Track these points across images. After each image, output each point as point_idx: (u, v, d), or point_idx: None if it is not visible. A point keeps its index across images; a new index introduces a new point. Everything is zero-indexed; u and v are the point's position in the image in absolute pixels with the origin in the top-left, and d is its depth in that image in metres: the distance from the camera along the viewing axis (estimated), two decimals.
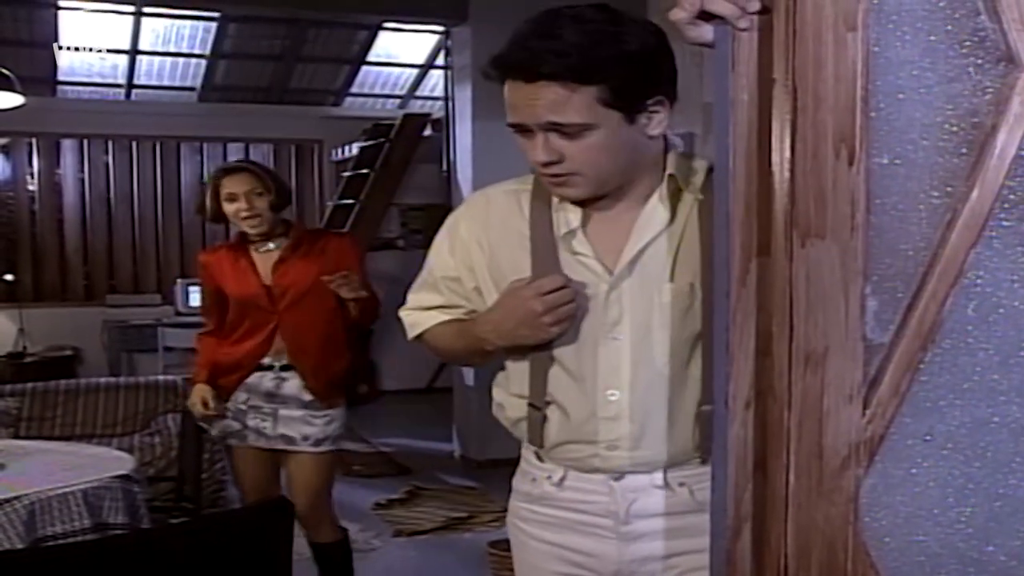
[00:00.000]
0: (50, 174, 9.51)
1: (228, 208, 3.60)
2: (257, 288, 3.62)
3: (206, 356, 3.75)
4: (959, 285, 1.14)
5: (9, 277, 9.27)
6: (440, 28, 7.89)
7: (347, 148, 9.67)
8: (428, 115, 9.25)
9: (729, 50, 1.17)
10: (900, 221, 1.14)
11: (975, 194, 1.13)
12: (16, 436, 5.07)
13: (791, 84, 1.14)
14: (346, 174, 9.37)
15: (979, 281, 1.14)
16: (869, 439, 1.15)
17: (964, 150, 1.13)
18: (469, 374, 6.51)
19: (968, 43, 1.12)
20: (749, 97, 1.16)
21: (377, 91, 10.12)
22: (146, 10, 8.13)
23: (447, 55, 7.51)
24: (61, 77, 9.03)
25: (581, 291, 1.72)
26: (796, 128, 1.14)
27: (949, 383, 1.15)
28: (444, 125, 7.52)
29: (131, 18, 8.35)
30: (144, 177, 9.71)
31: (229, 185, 3.59)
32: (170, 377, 6.15)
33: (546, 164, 1.65)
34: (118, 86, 9.32)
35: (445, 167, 7.46)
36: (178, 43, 8.90)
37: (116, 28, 8.48)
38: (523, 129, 1.65)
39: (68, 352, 8.95)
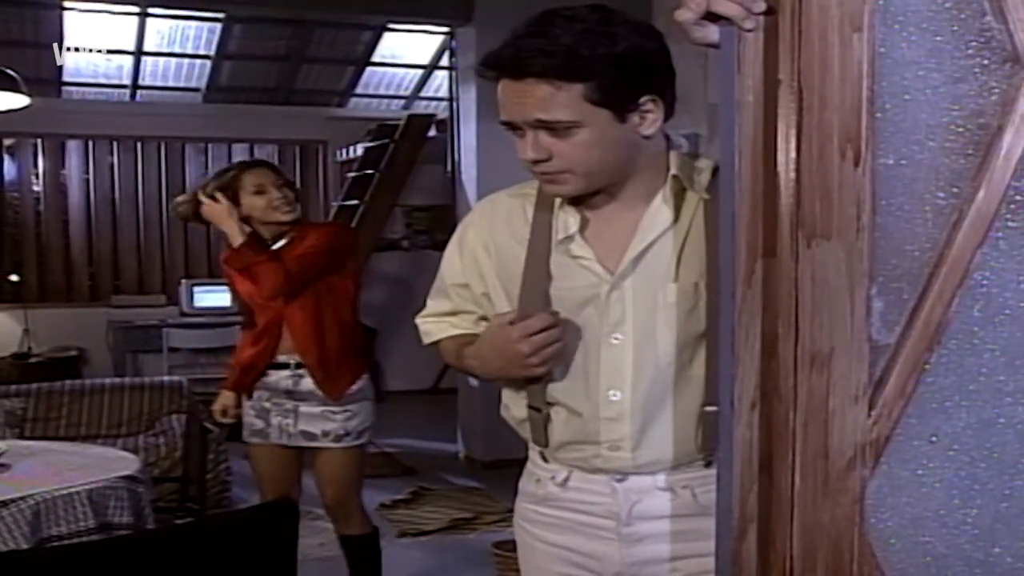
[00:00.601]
0: (55, 175, 9.53)
1: (257, 202, 3.58)
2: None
3: (236, 355, 3.80)
4: (965, 286, 1.13)
5: (14, 277, 9.28)
6: (445, 29, 7.89)
7: (352, 149, 9.67)
8: (433, 116, 9.25)
9: (735, 51, 1.16)
10: (906, 222, 1.14)
11: (981, 195, 1.13)
12: (21, 436, 5.08)
13: (797, 85, 1.14)
14: (351, 175, 9.37)
15: (985, 282, 1.14)
16: (875, 440, 1.15)
17: (970, 151, 1.13)
18: None
19: (974, 44, 1.12)
20: (755, 98, 1.16)
21: (382, 92, 10.12)
22: (151, 11, 8.14)
23: (452, 56, 7.51)
24: (66, 78, 9.04)
25: (571, 324, 1.74)
26: (802, 129, 1.14)
27: (955, 384, 1.15)
28: (449, 126, 7.52)
29: (136, 19, 8.36)
30: (149, 178, 9.72)
31: (255, 178, 3.60)
32: (175, 378, 6.15)
33: (535, 162, 1.66)
34: (123, 87, 9.33)
35: (450, 168, 7.46)
36: (183, 44, 8.91)
37: (121, 29, 8.49)
38: (514, 127, 1.67)
39: (73, 352, 8.96)
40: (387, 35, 9.13)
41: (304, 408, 3.64)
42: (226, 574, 2.36)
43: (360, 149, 9.43)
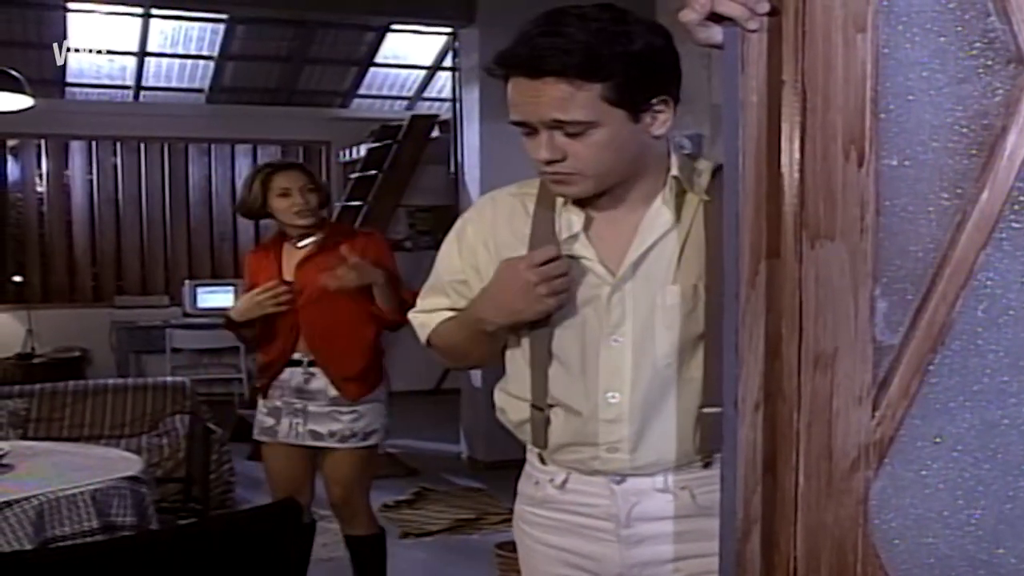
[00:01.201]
0: (59, 175, 9.55)
1: (280, 204, 3.64)
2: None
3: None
4: (969, 287, 1.13)
5: (18, 278, 9.30)
6: (448, 29, 7.89)
7: (355, 149, 9.68)
8: (436, 116, 9.25)
9: (738, 51, 1.16)
10: (910, 222, 1.14)
11: (985, 196, 1.12)
12: (25, 437, 5.09)
13: (800, 85, 1.14)
14: (354, 175, 9.38)
15: (989, 283, 1.13)
16: (878, 441, 1.15)
17: (974, 151, 1.13)
18: (476, 376, 6.52)
19: (978, 44, 1.12)
20: (758, 98, 1.16)
21: (385, 92, 10.13)
22: (154, 12, 8.15)
23: (455, 56, 7.51)
24: (70, 79, 9.05)
25: (576, 269, 1.72)
26: (805, 129, 1.14)
27: (959, 385, 1.15)
28: (452, 126, 7.52)
29: (139, 20, 8.37)
30: (152, 178, 9.73)
31: (283, 181, 3.65)
32: (178, 378, 6.17)
33: (549, 162, 1.65)
34: (126, 88, 9.34)
35: (453, 168, 7.46)
36: (186, 45, 8.92)
37: (124, 30, 8.50)
38: (526, 127, 1.65)
39: (76, 353, 8.97)
40: (390, 36, 9.13)
41: (313, 407, 3.66)
42: (229, 575, 2.36)
43: (363, 150, 9.44)
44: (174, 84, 9.44)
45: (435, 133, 9.05)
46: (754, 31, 1.15)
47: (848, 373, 1.15)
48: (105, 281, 9.65)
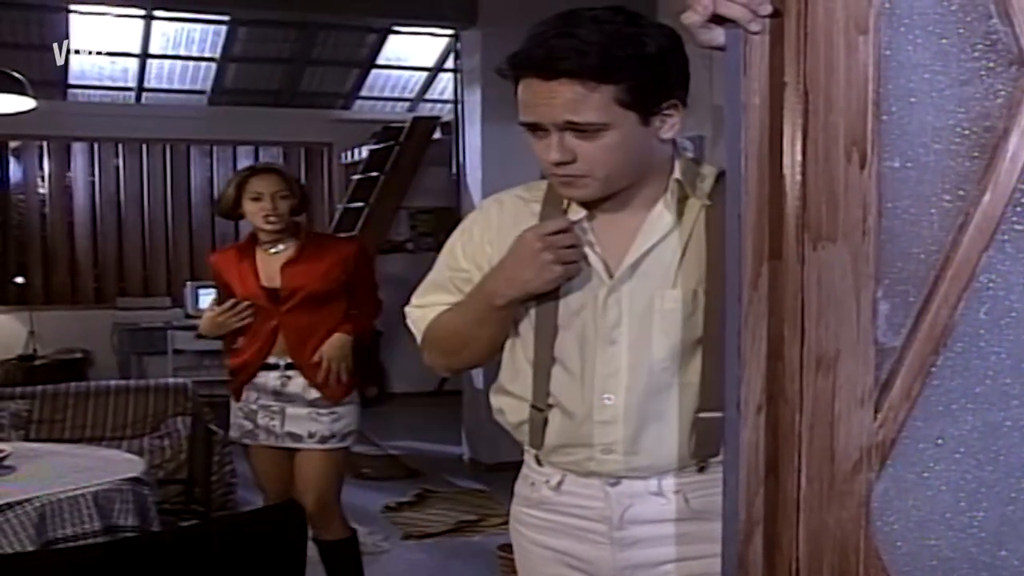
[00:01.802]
0: (61, 177, 9.55)
1: (251, 207, 3.67)
2: (255, 289, 3.69)
3: (232, 356, 3.85)
4: (971, 289, 1.13)
5: (19, 280, 9.31)
6: (449, 31, 7.89)
7: (357, 151, 9.68)
8: (438, 118, 9.26)
9: (741, 53, 1.16)
10: (912, 224, 1.14)
11: (987, 198, 1.12)
12: (26, 438, 5.09)
13: (802, 87, 1.14)
14: (355, 177, 9.38)
15: (991, 285, 1.13)
16: (881, 443, 1.15)
17: (976, 153, 1.13)
18: (478, 376, 6.51)
19: (980, 46, 1.12)
20: (761, 100, 1.16)
21: (387, 94, 10.14)
22: (156, 14, 8.16)
23: (456, 58, 7.51)
24: (71, 80, 9.07)
25: (584, 243, 1.72)
26: (807, 131, 1.14)
27: (961, 387, 1.15)
28: (454, 128, 7.53)
29: (141, 22, 8.38)
30: (154, 180, 9.74)
31: (257, 184, 3.66)
32: (180, 380, 6.16)
33: (559, 164, 1.65)
34: (128, 89, 9.35)
35: (455, 170, 7.46)
36: (188, 47, 8.93)
37: (126, 32, 8.51)
38: (537, 128, 1.65)
39: (78, 355, 8.98)
40: (392, 37, 9.14)
41: (291, 410, 3.68)
42: None
43: (365, 151, 9.44)
44: (176, 86, 9.46)
45: (437, 135, 9.06)
46: (756, 33, 1.15)
47: (850, 375, 1.14)
48: (107, 282, 9.65)
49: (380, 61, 9.54)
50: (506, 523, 2.01)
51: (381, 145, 9.18)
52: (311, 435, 3.67)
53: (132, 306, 9.27)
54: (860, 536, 1.16)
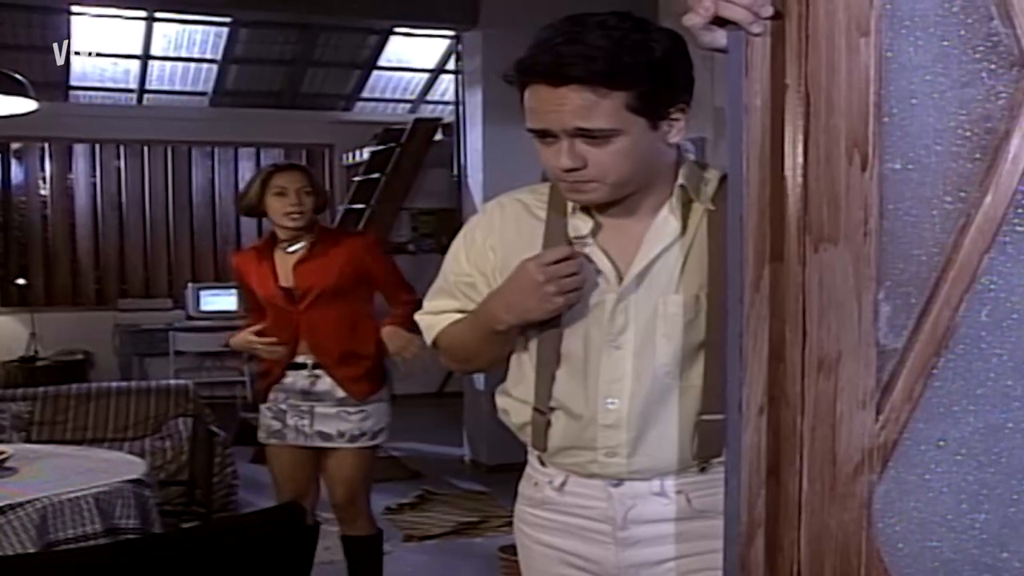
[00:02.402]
0: (62, 179, 9.56)
1: (275, 203, 3.67)
2: (274, 290, 3.70)
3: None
4: (973, 290, 1.13)
5: (21, 281, 9.30)
6: (451, 33, 7.90)
7: (358, 153, 9.68)
8: (439, 119, 9.26)
9: (742, 55, 1.17)
10: (913, 226, 1.14)
11: (988, 199, 1.12)
12: (28, 440, 5.09)
13: (804, 89, 1.14)
14: (357, 178, 9.38)
15: (993, 286, 1.13)
16: (882, 445, 1.15)
17: (977, 155, 1.13)
18: (479, 379, 6.51)
19: (981, 48, 1.12)
20: (762, 102, 1.16)
21: (388, 96, 10.14)
22: (158, 15, 8.16)
23: (458, 60, 7.52)
24: (73, 82, 9.07)
25: (587, 266, 1.72)
26: (809, 133, 1.14)
27: (963, 389, 1.15)
28: (455, 129, 7.53)
29: (143, 23, 8.38)
30: (155, 181, 9.74)
31: (281, 180, 3.68)
32: (181, 381, 6.17)
33: (569, 170, 1.64)
34: (130, 91, 9.35)
35: (456, 171, 7.46)
36: (190, 48, 8.93)
37: (128, 33, 8.51)
38: (546, 135, 1.65)
39: (80, 356, 8.98)
40: (393, 39, 9.14)
41: (320, 408, 3.69)
42: None
43: (366, 153, 9.44)
44: (177, 87, 9.46)
45: (438, 136, 9.06)
46: (757, 35, 1.16)
47: (851, 377, 1.15)
48: (108, 284, 9.65)
49: (381, 63, 9.53)
50: (507, 525, 2.02)
51: (382, 147, 9.17)
52: (341, 434, 3.68)
53: (133, 307, 9.27)
54: (862, 538, 1.16)
